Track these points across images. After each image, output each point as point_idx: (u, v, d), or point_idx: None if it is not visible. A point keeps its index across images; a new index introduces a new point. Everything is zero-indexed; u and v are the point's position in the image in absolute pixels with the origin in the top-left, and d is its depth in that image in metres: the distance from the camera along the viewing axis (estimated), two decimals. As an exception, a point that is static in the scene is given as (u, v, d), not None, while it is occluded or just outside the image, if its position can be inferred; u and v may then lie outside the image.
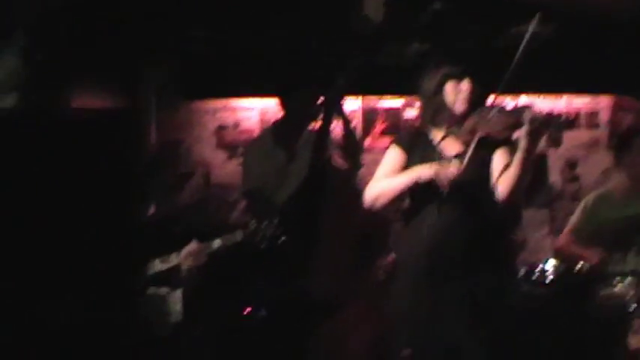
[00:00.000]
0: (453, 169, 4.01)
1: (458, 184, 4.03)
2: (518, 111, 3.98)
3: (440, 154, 4.16)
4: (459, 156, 4.09)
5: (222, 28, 6.65)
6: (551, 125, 3.92)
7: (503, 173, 4.04)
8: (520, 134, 3.90)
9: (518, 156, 3.95)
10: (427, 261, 4.07)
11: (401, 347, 4.28)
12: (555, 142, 4.05)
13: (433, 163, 4.08)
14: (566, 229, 5.87)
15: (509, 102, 6.47)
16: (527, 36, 3.96)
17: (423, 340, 4.13)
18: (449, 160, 4.09)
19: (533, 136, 3.89)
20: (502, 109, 4.05)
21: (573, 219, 5.88)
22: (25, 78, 5.48)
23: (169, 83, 6.99)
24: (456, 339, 4.05)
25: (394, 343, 4.38)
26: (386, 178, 4.22)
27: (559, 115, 4.02)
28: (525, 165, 3.95)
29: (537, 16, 3.96)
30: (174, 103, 6.99)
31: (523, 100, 6.71)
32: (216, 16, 6.58)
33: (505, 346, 4.03)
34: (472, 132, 4.05)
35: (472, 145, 4.01)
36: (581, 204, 5.91)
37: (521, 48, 3.95)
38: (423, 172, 4.09)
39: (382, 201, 4.23)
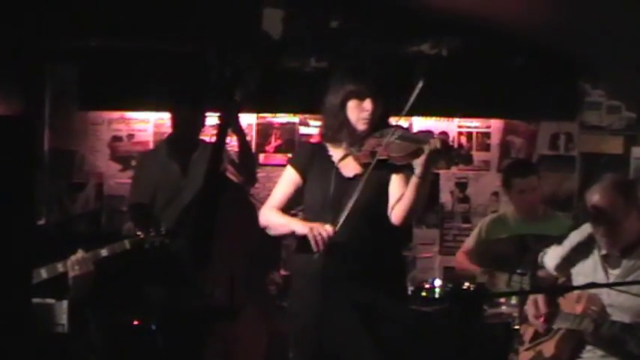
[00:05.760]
0: (326, 231, 4.03)
1: (356, 201, 4.05)
2: (419, 138, 4.03)
3: (338, 173, 4.18)
4: (356, 177, 4.13)
5: (119, 38, 6.61)
6: (449, 156, 3.97)
7: (398, 197, 4.09)
8: (416, 161, 3.96)
9: (414, 181, 4.00)
10: (320, 274, 4.10)
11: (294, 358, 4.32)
12: (466, 161, 4.09)
13: (309, 223, 4.12)
14: (461, 250, 6.05)
15: (408, 124, 6.57)
16: (415, 91, 4.05)
17: (312, 351, 4.16)
18: (346, 181, 4.13)
19: (428, 165, 3.95)
20: (403, 135, 4.09)
21: (469, 240, 6.05)
22: None
23: (64, 92, 6.91)
24: (344, 351, 4.09)
25: (287, 354, 4.41)
26: (279, 202, 4.29)
27: (459, 147, 4.09)
28: (420, 190, 4.01)
29: (421, 81, 4.02)
30: (69, 112, 6.91)
31: (418, 121, 6.79)
32: (114, 26, 6.53)
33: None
34: (371, 154, 4.09)
35: (370, 168, 4.05)
36: (477, 226, 6.07)
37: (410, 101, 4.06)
38: (299, 227, 4.16)
39: (271, 232, 4.37)
